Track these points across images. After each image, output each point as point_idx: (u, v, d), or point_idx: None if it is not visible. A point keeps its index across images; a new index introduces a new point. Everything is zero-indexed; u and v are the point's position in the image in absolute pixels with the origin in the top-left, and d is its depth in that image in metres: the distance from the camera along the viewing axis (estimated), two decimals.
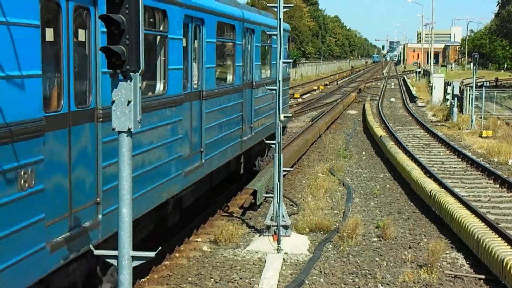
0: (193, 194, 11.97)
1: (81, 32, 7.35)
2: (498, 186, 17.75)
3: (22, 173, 5.95)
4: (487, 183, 18.21)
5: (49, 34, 6.75)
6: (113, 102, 5.96)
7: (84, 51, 7.38)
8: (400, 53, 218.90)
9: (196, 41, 11.47)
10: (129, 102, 5.93)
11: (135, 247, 6.33)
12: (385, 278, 10.65)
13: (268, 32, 16.20)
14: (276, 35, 12.08)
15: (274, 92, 12.23)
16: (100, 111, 7.43)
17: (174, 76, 10.16)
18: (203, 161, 11.74)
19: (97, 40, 7.41)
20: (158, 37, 9.81)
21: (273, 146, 12.27)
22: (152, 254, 6.19)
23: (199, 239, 12.70)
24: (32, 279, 6.14)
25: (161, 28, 9.69)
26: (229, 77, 14.03)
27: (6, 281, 5.72)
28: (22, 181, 5.95)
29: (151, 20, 9.56)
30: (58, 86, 6.79)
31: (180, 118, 10.40)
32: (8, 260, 5.75)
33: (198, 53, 11.64)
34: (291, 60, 20.45)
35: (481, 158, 22.14)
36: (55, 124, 6.57)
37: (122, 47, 5.78)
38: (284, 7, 12.01)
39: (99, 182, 7.50)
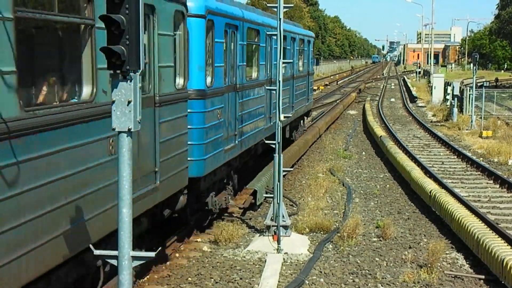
0: (261, 147, 17.09)
1: (232, 44, 13.63)
2: (498, 186, 17.75)
3: (218, 111, 12.30)
4: (487, 183, 18.21)
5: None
6: (113, 102, 5.96)
7: (232, 53, 13.61)
8: (400, 53, 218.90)
9: (269, 46, 17.19)
10: (129, 102, 5.92)
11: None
12: (385, 278, 10.65)
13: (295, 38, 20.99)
14: (275, 34, 12.09)
15: (274, 92, 12.24)
16: (238, 85, 13.74)
17: (262, 69, 16.54)
18: (271, 123, 17.04)
19: (237, 48, 13.84)
20: (255, 45, 15.98)
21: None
22: (152, 254, 6.20)
23: (199, 239, 12.70)
24: (218, 164, 12.61)
25: (256, 40, 16.01)
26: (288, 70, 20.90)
27: (213, 161, 12.17)
28: (218, 115, 12.28)
29: (253, 35, 15.66)
30: (226, 72, 13.04)
31: (263, 94, 16.45)
32: (212, 152, 12.07)
33: (270, 54, 17.28)
34: (291, 60, 20.52)
35: (481, 158, 22.14)
36: (225, 91, 12.90)
37: (122, 47, 5.78)
38: (284, 7, 12.01)
39: (237, 123, 13.80)
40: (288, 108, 20.71)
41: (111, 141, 7.55)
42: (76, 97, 7.26)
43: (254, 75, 16.02)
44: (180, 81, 10.46)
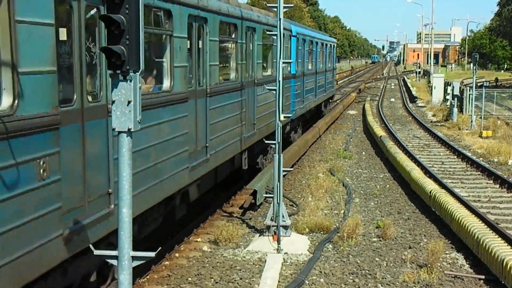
0: (309, 113, 28.71)
1: (302, 49, 23.67)
2: (498, 186, 17.74)
3: (299, 85, 22.61)
4: (487, 183, 18.21)
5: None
6: (113, 102, 5.95)
7: (302, 54, 23.76)
8: (400, 53, 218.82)
9: (315, 50, 27.12)
10: (129, 102, 5.92)
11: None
12: (385, 278, 10.65)
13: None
14: (276, 35, 12.09)
15: (274, 92, 12.23)
16: (304, 73, 23.40)
17: (313, 63, 26.94)
18: (316, 98, 28.63)
19: (305, 51, 24.34)
20: (309, 49, 25.65)
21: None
22: (152, 254, 6.19)
23: (199, 239, 12.70)
24: (297, 115, 23.27)
25: (311, 46, 25.58)
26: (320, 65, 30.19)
27: (296, 113, 22.61)
28: (297, 88, 22.52)
29: (309, 43, 24.86)
30: (302, 64, 23.39)
31: (313, 79, 26.94)
32: (296, 107, 22.50)
33: (316, 54, 28.16)
34: (291, 61, 20.69)
35: (481, 158, 22.14)
36: (301, 75, 23.41)
37: (122, 47, 5.77)
38: (284, 7, 12.02)
39: (304, 94, 24.01)
40: (322, 91, 31.39)
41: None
42: None
43: (309, 67, 26.45)
44: (288, 68, 20.34)
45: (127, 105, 5.91)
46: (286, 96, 19.25)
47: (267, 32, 16.04)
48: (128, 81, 5.88)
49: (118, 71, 5.85)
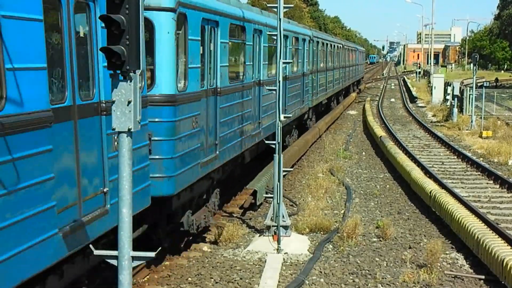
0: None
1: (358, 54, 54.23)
2: (498, 186, 17.74)
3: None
4: (487, 183, 18.20)
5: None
6: (113, 102, 5.95)
7: (349, 57, 46.08)
8: (400, 53, 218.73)
9: (342, 53, 41.15)
10: (129, 102, 5.92)
11: None
12: (385, 278, 10.66)
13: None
14: (276, 35, 12.11)
15: (274, 92, 12.26)
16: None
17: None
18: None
19: (354, 55, 52.63)
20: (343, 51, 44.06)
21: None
22: (152, 254, 6.19)
23: (199, 239, 12.69)
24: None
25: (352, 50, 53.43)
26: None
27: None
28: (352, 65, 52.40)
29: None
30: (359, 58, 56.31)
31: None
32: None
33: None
34: (291, 61, 20.62)
35: (481, 159, 22.14)
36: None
37: (122, 47, 5.77)
38: (284, 7, 12.03)
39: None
40: (359, 73, 57.80)
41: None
42: None
43: (360, 62, 59.45)
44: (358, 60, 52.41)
45: (127, 105, 5.92)
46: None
47: (268, 33, 15.98)
48: (128, 81, 5.89)
49: (118, 71, 5.86)
